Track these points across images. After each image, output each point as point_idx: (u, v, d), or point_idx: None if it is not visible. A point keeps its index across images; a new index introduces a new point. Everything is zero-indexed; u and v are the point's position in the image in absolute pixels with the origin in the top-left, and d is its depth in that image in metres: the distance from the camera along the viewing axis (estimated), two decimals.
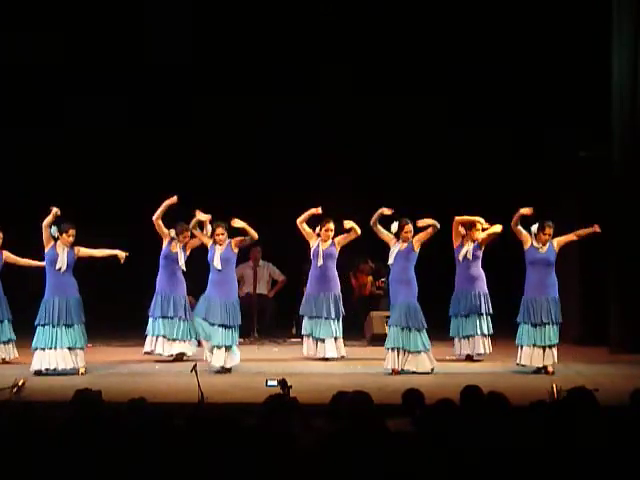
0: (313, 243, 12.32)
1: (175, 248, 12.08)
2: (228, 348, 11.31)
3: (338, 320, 12.34)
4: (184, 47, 14.35)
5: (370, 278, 14.53)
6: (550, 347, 11.10)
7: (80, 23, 14.18)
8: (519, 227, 11.24)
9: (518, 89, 13.90)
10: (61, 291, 11.21)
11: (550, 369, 11.05)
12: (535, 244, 11.18)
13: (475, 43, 13.95)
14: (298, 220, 12.14)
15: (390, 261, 11.30)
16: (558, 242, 11.22)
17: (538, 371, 11.07)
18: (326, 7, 14.23)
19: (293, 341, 13.73)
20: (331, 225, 12.27)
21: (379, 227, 11.43)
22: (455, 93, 14.29)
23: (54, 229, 11.18)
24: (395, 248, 11.28)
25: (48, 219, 11.14)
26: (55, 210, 11.10)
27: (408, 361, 11.08)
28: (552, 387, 8.00)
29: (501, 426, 5.67)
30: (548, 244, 11.17)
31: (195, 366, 8.36)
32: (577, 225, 13.75)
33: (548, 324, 11.10)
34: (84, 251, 11.33)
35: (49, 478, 5.23)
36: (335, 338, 12.29)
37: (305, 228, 12.31)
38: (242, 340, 13.94)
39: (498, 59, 13.88)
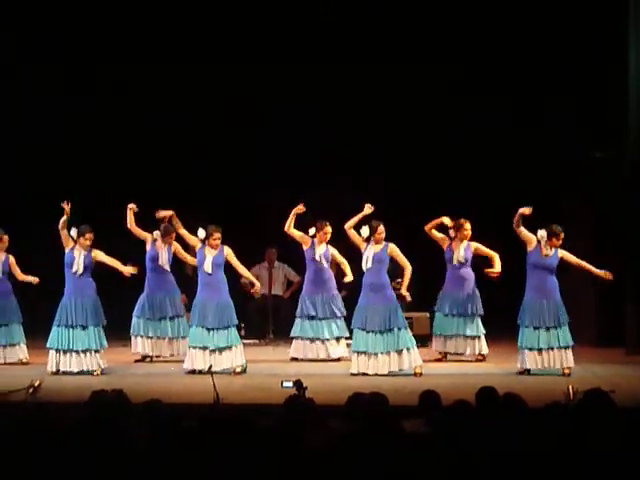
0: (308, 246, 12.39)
1: (161, 249, 12.19)
2: (228, 349, 11.29)
3: (336, 320, 12.36)
4: (182, 48, 14.32)
5: None
6: (565, 349, 11.08)
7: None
8: (522, 228, 11.15)
9: (531, 88, 13.83)
10: (78, 293, 11.29)
11: (567, 371, 11.02)
12: (543, 249, 11.12)
13: (488, 41, 13.86)
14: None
15: (368, 265, 11.18)
16: (563, 255, 11.12)
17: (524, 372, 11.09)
18: (326, 7, 14.14)
19: None
20: (328, 228, 12.29)
21: (353, 231, 11.37)
22: (461, 92, 14.22)
23: (74, 231, 11.27)
24: (369, 252, 11.20)
25: (62, 221, 11.22)
26: (67, 209, 11.17)
27: (395, 361, 11.07)
28: (568, 388, 7.98)
29: (517, 428, 5.65)
30: (554, 250, 11.11)
31: (211, 367, 8.38)
32: (589, 227, 13.79)
33: (557, 327, 11.06)
34: (101, 257, 11.36)
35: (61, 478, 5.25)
36: (329, 339, 12.32)
37: (295, 232, 12.33)
38: (258, 341, 14.01)
39: (513, 57, 13.81)
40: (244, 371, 11.29)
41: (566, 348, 11.06)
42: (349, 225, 11.42)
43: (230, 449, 5.24)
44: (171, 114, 14.54)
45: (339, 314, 12.39)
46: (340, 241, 12.17)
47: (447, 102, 14.22)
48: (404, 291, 11.17)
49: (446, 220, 11.97)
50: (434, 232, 12.07)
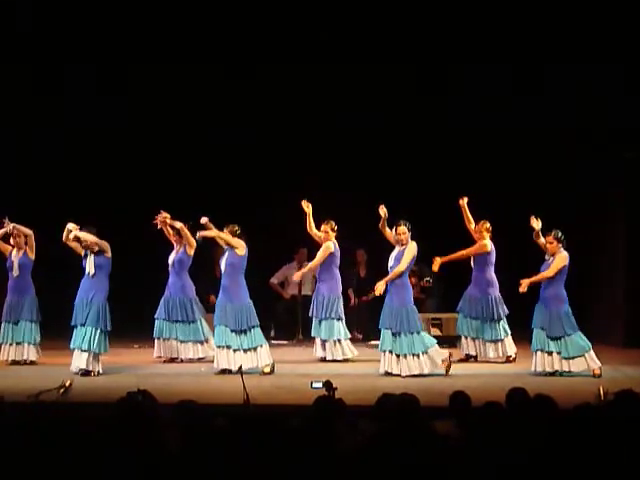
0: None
1: (190, 252, 12.23)
2: (253, 349, 11.28)
3: (326, 321, 12.34)
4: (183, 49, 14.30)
5: (414, 280, 14.46)
6: (580, 357, 10.98)
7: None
8: (540, 240, 11.12)
9: (562, 85, 13.76)
10: (86, 293, 11.27)
11: (597, 371, 10.96)
12: (546, 256, 11.07)
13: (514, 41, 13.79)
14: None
15: (390, 264, 11.20)
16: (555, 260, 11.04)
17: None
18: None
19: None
20: (328, 227, 12.29)
21: (387, 230, 11.37)
22: (464, 91, 14.21)
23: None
24: (394, 252, 11.24)
25: (64, 235, 11.30)
26: (68, 227, 11.26)
27: (402, 363, 11.05)
28: (599, 389, 7.94)
29: (548, 428, 5.64)
30: (556, 255, 11.02)
31: (241, 368, 8.39)
32: (621, 228, 13.72)
33: (565, 337, 10.95)
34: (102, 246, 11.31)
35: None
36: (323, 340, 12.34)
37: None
38: (287, 342, 14.02)
39: (541, 58, 13.76)
40: (272, 371, 11.30)
41: (580, 356, 10.98)
42: (381, 225, 11.40)
43: (261, 449, 5.26)
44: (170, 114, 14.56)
45: (334, 315, 12.34)
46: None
47: (449, 102, 14.21)
48: (379, 284, 11.12)
49: (462, 201, 11.88)
50: (472, 229, 12.07)
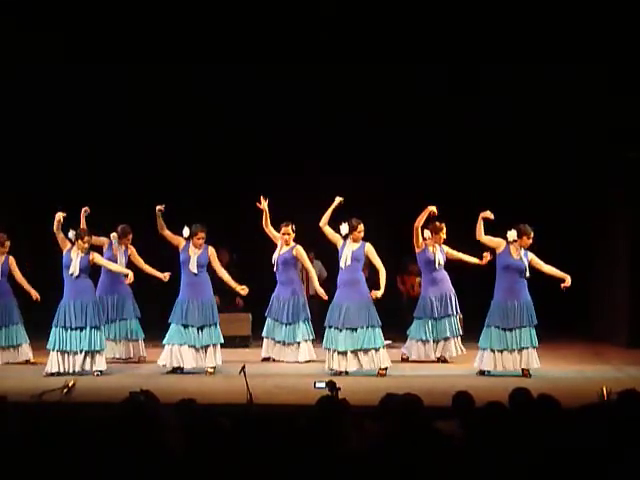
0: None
1: (117, 251, 12.19)
2: (206, 348, 11.31)
3: (302, 323, 12.37)
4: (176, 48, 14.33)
5: (419, 279, 14.45)
6: (527, 349, 10.97)
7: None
8: (485, 237, 11.04)
9: (562, 85, 13.76)
10: (75, 295, 11.24)
11: (527, 372, 10.99)
12: (511, 250, 10.97)
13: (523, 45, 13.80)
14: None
15: (347, 263, 11.14)
16: (532, 259, 10.99)
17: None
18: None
19: None
20: (289, 229, 12.26)
21: (328, 228, 11.31)
22: (465, 90, 14.20)
23: (72, 233, 11.26)
24: (347, 250, 11.16)
25: (55, 225, 11.21)
26: (58, 216, 11.14)
27: (366, 360, 11.10)
28: (602, 389, 7.94)
29: (552, 428, 5.65)
30: (523, 252, 10.99)
31: (244, 367, 8.38)
32: (625, 227, 13.73)
33: (521, 328, 10.95)
34: (99, 260, 11.40)
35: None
36: (295, 343, 12.34)
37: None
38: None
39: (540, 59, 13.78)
40: (214, 372, 11.32)
41: (526, 349, 10.96)
42: (323, 222, 11.33)
43: (263, 449, 5.27)
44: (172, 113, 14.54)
45: (303, 317, 12.38)
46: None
47: (448, 102, 14.24)
48: (380, 293, 11.11)
49: (433, 208, 11.72)
50: (420, 231, 12.01)
